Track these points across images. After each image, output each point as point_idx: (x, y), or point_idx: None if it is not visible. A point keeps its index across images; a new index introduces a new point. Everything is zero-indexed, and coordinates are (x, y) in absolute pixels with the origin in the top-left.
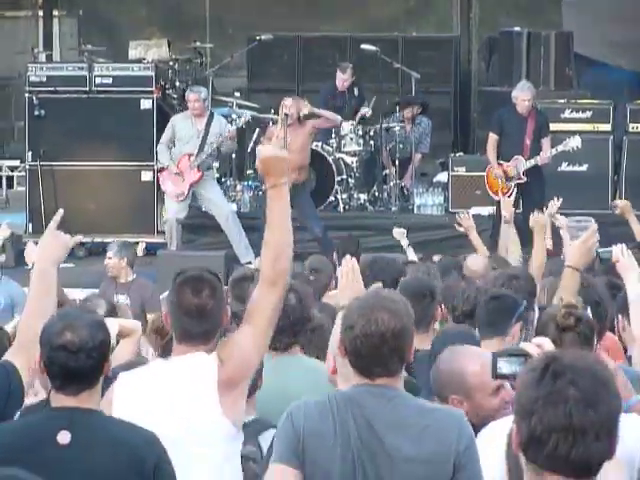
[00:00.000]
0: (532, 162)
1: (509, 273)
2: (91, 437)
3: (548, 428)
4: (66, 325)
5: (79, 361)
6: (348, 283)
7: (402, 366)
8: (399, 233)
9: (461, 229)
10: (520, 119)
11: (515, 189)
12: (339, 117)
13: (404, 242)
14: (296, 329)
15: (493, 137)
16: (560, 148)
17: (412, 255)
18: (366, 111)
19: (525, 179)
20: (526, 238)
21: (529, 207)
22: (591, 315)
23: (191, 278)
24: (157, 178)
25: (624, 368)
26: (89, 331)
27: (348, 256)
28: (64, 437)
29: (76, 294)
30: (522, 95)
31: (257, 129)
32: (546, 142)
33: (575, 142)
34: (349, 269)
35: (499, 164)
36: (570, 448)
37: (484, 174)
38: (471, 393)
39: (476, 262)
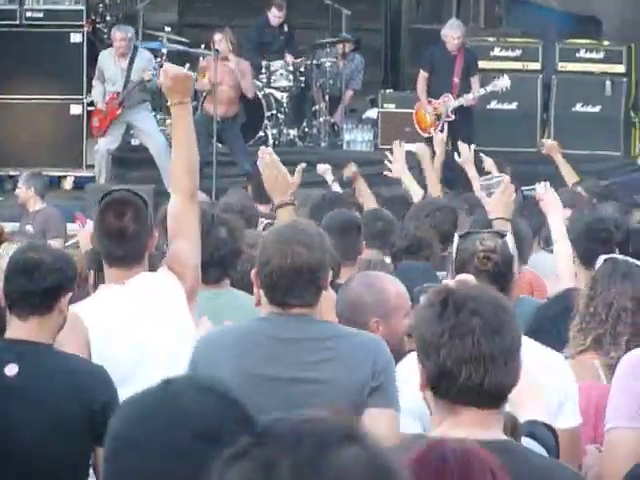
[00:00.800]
0: (460, 101)
1: (434, 204)
2: (39, 369)
3: (458, 360)
4: (31, 247)
5: (32, 279)
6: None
7: (318, 297)
8: (324, 169)
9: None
10: (449, 57)
11: (444, 127)
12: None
13: (329, 178)
14: (227, 262)
15: (423, 75)
16: (489, 88)
17: (337, 190)
18: (289, 59)
19: (453, 117)
20: (456, 176)
21: (457, 145)
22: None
23: (115, 201)
24: (88, 113)
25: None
26: (52, 255)
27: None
28: (11, 369)
29: (3, 226)
30: (451, 33)
31: (187, 64)
32: (475, 80)
33: (504, 82)
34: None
35: (429, 101)
36: (483, 377)
37: (413, 111)
38: (390, 315)
39: None
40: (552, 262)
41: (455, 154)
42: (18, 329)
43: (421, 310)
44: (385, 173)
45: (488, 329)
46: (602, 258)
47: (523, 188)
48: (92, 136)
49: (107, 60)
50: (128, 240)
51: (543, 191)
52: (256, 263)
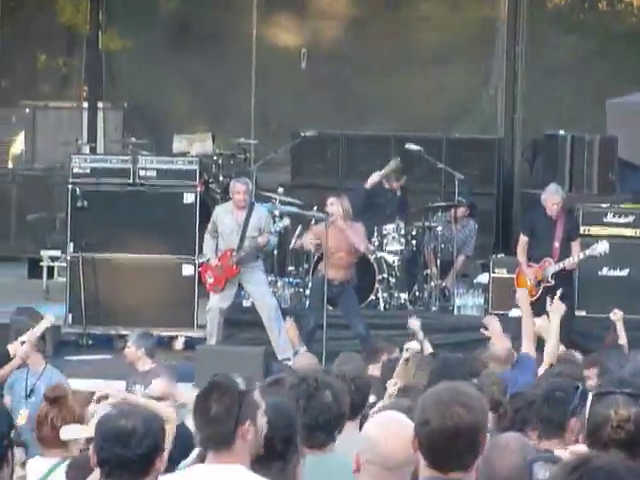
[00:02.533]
0: (560, 266)
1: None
2: None
3: None
4: (121, 413)
5: (129, 447)
6: None
7: (476, 461)
8: (415, 324)
9: (487, 333)
10: (550, 222)
11: (542, 292)
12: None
13: (420, 335)
14: (332, 426)
15: (523, 239)
16: (588, 252)
17: (429, 349)
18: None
19: (553, 282)
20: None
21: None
22: None
23: (209, 382)
24: (198, 272)
25: None
26: (143, 420)
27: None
28: None
29: (115, 385)
30: (551, 198)
31: (299, 226)
32: (575, 245)
33: (603, 247)
34: None
35: (529, 266)
36: None
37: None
38: None
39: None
40: None
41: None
42: None
43: (556, 469)
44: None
45: None
46: None
47: None
48: (210, 292)
49: (223, 214)
50: (209, 422)
51: None
52: (415, 423)
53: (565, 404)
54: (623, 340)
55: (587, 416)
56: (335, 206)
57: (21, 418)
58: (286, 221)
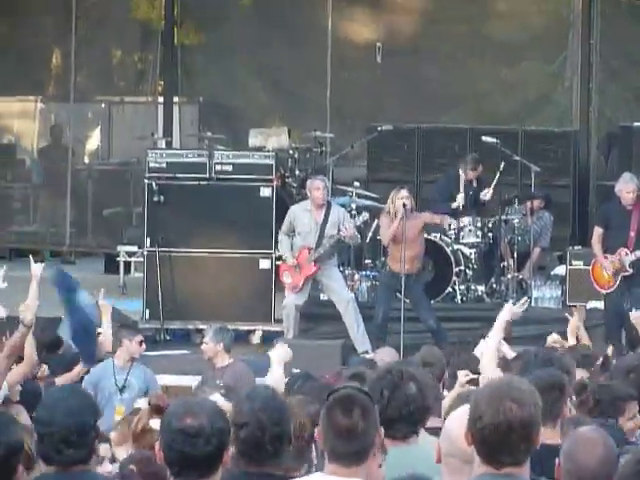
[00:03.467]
0: (637, 254)
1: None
2: None
3: None
4: (187, 410)
5: (197, 446)
6: None
7: (529, 455)
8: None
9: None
10: (625, 211)
11: (620, 282)
12: (448, 219)
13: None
14: (415, 418)
15: (598, 230)
16: None
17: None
18: (486, 192)
19: (631, 271)
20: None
21: (636, 300)
22: None
23: (342, 398)
24: (276, 267)
25: None
26: (209, 417)
27: None
28: None
29: (191, 381)
30: (625, 187)
31: (376, 219)
32: None
33: None
34: None
35: (605, 257)
36: None
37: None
38: None
39: None
40: None
41: None
42: None
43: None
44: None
45: None
46: None
47: None
48: (288, 291)
49: (301, 214)
50: (357, 438)
51: None
52: (468, 418)
53: None
54: None
55: None
56: (410, 200)
57: (117, 413)
58: (365, 215)
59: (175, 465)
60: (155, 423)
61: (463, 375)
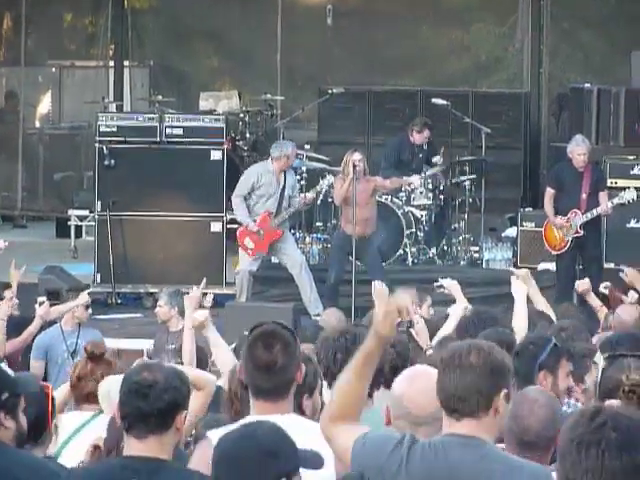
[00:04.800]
0: (593, 213)
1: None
2: None
3: (581, 472)
4: (146, 367)
5: (148, 400)
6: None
7: (488, 411)
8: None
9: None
10: (576, 173)
11: (571, 244)
12: (406, 179)
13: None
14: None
15: (550, 192)
16: (615, 201)
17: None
18: (437, 159)
19: (582, 233)
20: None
21: (588, 261)
22: None
23: (264, 333)
24: (230, 230)
25: None
26: (165, 375)
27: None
28: None
29: (142, 344)
30: (577, 149)
31: (327, 177)
32: (603, 196)
33: (630, 195)
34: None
35: (557, 218)
36: None
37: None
38: None
39: (627, 311)
40: None
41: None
42: (136, 448)
43: (573, 416)
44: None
45: (617, 445)
46: None
47: None
48: (248, 256)
49: (265, 176)
50: (276, 373)
51: None
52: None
53: (535, 357)
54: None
55: (599, 380)
56: (362, 162)
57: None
58: (330, 179)
59: (127, 418)
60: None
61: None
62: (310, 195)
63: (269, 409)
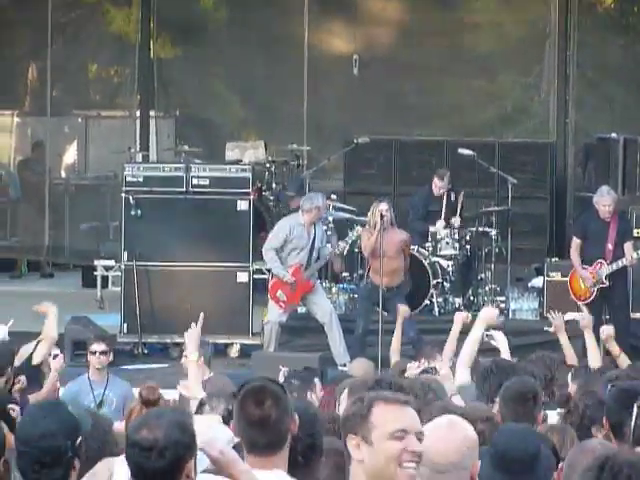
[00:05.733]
0: (619, 264)
1: None
2: None
3: None
4: (144, 422)
5: (150, 459)
6: None
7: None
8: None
9: (551, 330)
10: (602, 224)
11: (597, 294)
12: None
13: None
14: None
15: (576, 241)
16: None
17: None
18: (455, 221)
19: (608, 283)
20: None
21: (614, 311)
22: None
23: (254, 389)
24: (252, 280)
25: None
26: (165, 430)
27: None
28: None
29: (170, 395)
30: (602, 200)
31: (354, 230)
32: (629, 246)
33: None
34: None
35: (583, 268)
36: None
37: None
38: None
39: None
40: None
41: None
42: None
43: (580, 475)
44: (545, 329)
45: None
46: None
47: None
48: (280, 309)
49: (297, 229)
50: (270, 427)
51: None
52: None
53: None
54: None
55: (632, 426)
56: (389, 212)
57: None
58: (359, 229)
59: (135, 476)
60: None
61: (414, 367)
62: (342, 245)
63: (261, 464)
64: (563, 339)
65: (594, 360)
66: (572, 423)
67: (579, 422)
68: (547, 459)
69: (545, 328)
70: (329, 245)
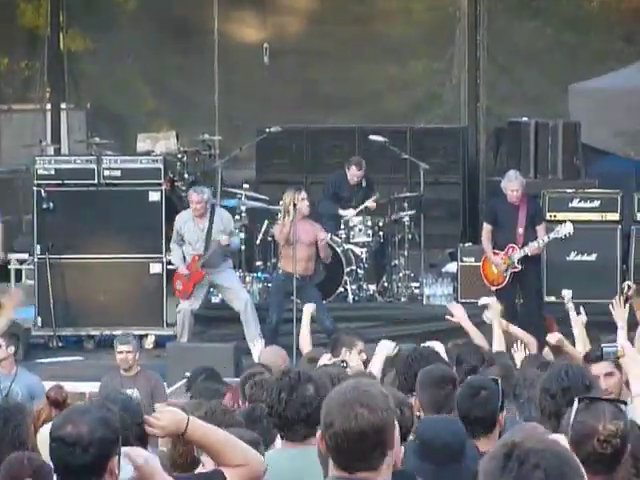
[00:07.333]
0: (525, 251)
1: None
2: None
3: None
4: (68, 418)
5: (74, 455)
6: None
7: (384, 459)
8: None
9: (453, 319)
10: (512, 208)
11: (510, 278)
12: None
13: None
14: (314, 419)
15: (487, 227)
16: (552, 235)
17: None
18: (371, 204)
19: (520, 267)
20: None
21: (527, 295)
22: None
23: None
24: (166, 270)
25: None
26: (90, 426)
27: None
28: None
29: (84, 387)
30: (510, 185)
31: (266, 220)
32: (540, 229)
33: (567, 229)
34: None
35: (495, 253)
36: None
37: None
38: None
39: None
40: None
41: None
42: None
43: (484, 462)
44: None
45: None
46: None
47: (603, 345)
48: (179, 299)
49: (186, 222)
50: None
51: (625, 349)
52: (320, 424)
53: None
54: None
55: (571, 424)
56: (305, 201)
57: None
58: (240, 236)
59: (58, 472)
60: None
61: (327, 358)
62: (224, 238)
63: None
64: (468, 326)
65: (498, 345)
66: None
67: None
68: (471, 449)
69: (447, 317)
70: (240, 234)
